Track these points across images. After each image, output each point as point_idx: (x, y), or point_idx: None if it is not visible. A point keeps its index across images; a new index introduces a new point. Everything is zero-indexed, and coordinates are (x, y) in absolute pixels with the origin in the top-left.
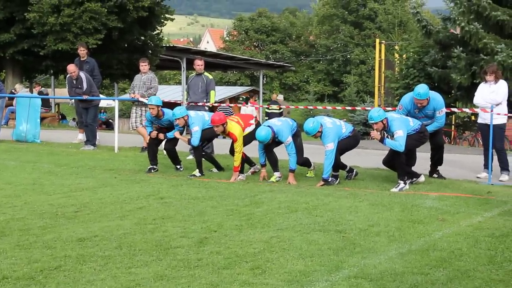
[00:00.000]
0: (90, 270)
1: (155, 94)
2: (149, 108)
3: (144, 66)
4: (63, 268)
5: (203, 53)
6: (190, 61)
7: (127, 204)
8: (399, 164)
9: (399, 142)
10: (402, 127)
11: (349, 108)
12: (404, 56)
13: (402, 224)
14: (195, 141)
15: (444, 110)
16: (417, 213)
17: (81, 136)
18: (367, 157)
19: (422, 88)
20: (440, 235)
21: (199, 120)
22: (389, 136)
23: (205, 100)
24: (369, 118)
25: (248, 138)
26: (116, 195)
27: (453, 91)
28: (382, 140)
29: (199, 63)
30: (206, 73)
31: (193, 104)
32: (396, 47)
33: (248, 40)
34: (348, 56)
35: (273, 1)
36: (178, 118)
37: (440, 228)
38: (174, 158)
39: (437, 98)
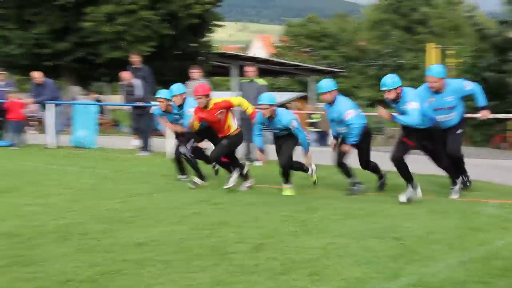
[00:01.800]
0: (149, 274)
1: None
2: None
3: (195, 73)
4: (123, 272)
5: (253, 59)
6: (241, 67)
7: (182, 209)
8: (446, 166)
9: (412, 116)
10: (418, 100)
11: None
12: (460, 60)
13: (462, 232)
14: (185, 124)
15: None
16: (477, 220)
17: (135, 142)
18: (422, 162)
19: (386, 78)
20: (502, 244)
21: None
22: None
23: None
24: (382, 84)
25: (236, 139)
26: (171, 200)
27: (510, 96)
28: (391, 118)
29: (250, 69)
30: (258, 79)
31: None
32: (450, 52)
33: (299, 46)
34: (400, 61)
35: (322, 7)
36: (176, 96)
37: (502, 236)
38: (191, 165)
39: (409, 92)
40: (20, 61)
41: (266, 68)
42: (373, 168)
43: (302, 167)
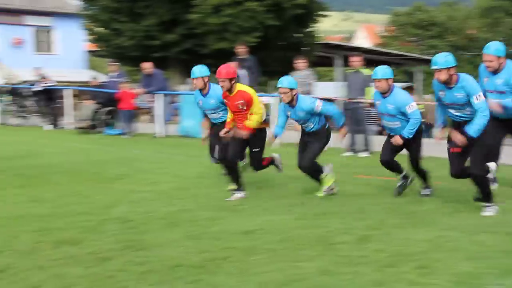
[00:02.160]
0: (256, 262)
1: (309, 91)
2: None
3: (300, 63)
4: (231, 259)
5: (357, 49)
6: (345, 57)
7: (288, 199)
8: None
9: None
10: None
11: None
12: None
13: None
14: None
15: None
16: None
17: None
18: None
19: (439, 56)
20: None
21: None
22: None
23: (362, 97)
24: (433, 62)
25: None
26: (277, 191)
27: None
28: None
29: (356, 59)
30: (363, 70)
31: (351, 100)
32: None
33: (405, 35)
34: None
35: None
36: (196, 78)
37: None
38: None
39: (469, 80)
40: (131, 52)
41: (371, 58)
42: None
43: (318, 177)
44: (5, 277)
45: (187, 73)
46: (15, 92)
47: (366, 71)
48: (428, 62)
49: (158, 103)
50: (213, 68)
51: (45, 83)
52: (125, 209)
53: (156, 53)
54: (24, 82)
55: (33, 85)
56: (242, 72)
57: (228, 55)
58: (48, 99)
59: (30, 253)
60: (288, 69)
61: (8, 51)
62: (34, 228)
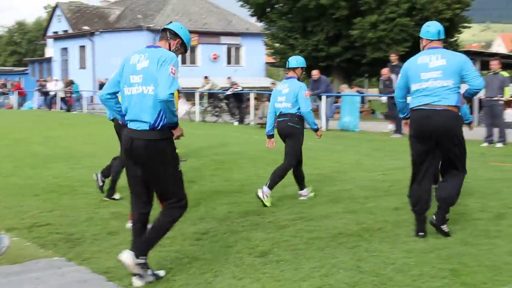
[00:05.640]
0: (405, 233)
1: None
2: None
3: None
4: (383, 230)
5: (495, 55)
6: (483, 62)
7: None
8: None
9: None
10: None
11: None
12: None
13: None
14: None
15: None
16: None
17: (391, 126)
18: None
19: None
20: None
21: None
22: None
23: (500, 96)
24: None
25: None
26: None
27: None
28: None
29: (494, 63)
30: (501, 72)
31: (489, 98)
32: None
33: None
34: None
35: None
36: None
37: None
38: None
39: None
40: None
41: (508, 63)
42: None
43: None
44: (207, 238)
45: (347, 78)
46: (211, 96)
47: (504, 73)
48: None
49: (323, 103)
50: (367, 74)
51: (235, 89)
52: (296, 188)
53: (322, 63)
54: (220, 88)
55: (226, 90)
56: (394, 77)
57: (381, 63)
58: (236, 101)
59: (224, 220)
60: None
61: (208, 65)
62: (227, 202)
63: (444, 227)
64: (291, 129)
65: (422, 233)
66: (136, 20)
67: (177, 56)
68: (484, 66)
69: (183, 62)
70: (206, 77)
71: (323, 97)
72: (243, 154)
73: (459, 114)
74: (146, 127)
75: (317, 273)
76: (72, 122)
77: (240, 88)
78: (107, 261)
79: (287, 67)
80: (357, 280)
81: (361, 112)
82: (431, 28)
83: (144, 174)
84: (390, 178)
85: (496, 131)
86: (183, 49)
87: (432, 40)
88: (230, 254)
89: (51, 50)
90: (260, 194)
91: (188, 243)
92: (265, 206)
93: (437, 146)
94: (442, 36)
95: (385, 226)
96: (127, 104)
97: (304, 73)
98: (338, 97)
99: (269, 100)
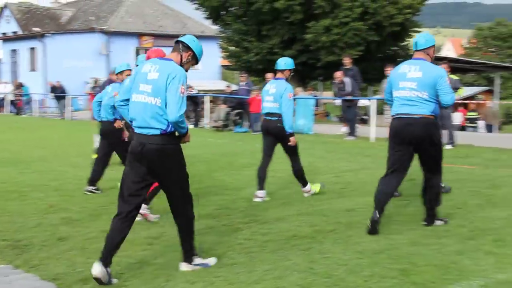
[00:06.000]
0: (357, 234)
1: None
2: None
3: (388, 70)
4: (336, 231)
5: (444, 59)
6: None
7: None
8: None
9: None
10: None
11: None
12: None
13: None
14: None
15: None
16: None
17: (344, 129)
18: None
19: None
20: None
21: None
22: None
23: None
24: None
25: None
26: (374, 176)
27: None
28: None
29: (443, 67)
30: (450, 75)
31: None
32: None
33: (486, 47)
34: None
35: (510, 12)
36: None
37: None
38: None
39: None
40: (256, 66)
41: (456, 66)
42: None
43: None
44: (159, 242)
45: (302, 81)
46: None
47: (453, 76)
48: (506, 68)
49: None
50: (321, 77)
51: (190, 92)
52: (251, 191)
53: None
54: None
55: None
56: (347, 80)
57: (335, 66)
58: (192, 104)
59: None
60: (385, 76)
61: None
62: None
63: (439, 222)
64: (282, 130)
65: (425, 222)
66: (88, 22)
67: (187, 70)
68: None
69: (136, 65)
70: None
71: None
72: (198, 157)
73: (436, 121)
74: (157, 132)
75: (270, 276)
76: (21, 125)
77: (195, 91)
78: (56, 267)
79: (275, 68)
80: (310, 282)
81: (315, 114)
82: (415, 39)
83: (152, 176)
84: (343, 180)
85: (445, 133)
86: (194, 61)
87: (415, 51)
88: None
89: (0, 52)
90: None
91: (140, 248)
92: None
93: (416, 151)
94: (421, 47)
95: (338, 228)
96: (134, 110)
97: (291, 74)
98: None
99: (224, 103)
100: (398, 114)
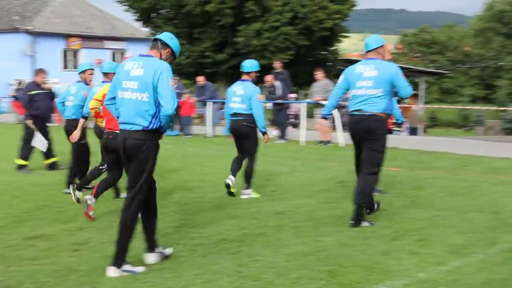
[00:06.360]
0: (286, 236)
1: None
2: None
3: (318, 74)
4: (265, 234)
5: None
6: None
7: (312, 186)
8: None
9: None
10: None
11: (502, 108)
12: None
13: None
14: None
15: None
16: None
17: (275, 132)
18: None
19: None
20: None
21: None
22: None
23: None
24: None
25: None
26: (304, 179)
27: None
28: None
29: None
30: None
31: None
32: None
33: (411, 52)
34: (500, 63)
35: (434, 19)
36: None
37: None
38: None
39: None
40: (188, 69)
41: None
42: None
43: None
44: (85, 248)
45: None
46: None
47: None
48: (430, 73)
49: (209, 109)
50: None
51: None
52: (181, 194)
53: (208, 69)
54: None
55: None
56: (277, 83)
57: (266, 70)
58: None
59: (106, 230)
60: (314, 80)
61: None
62: (110, 210)
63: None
64: (246, 129)
65: (352, 222)
66: (12, 22)
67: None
68: None
69: (65, 67)
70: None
71: (209, 103)
72: None
73: (385, 119)
74: (139, 128)
75: (199, 280)
76: None
77: None
78: None
79: (241, 70)
80: (239, 285)
81: None
82: (366, 41)
83: (131, 166)
84: (273, 183)
85: None
86: (173, 57)
87: (367, 52)
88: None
89: None
90: (244, 196)
91: (66, 254)
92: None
93: (363, 144)
94: (371, 48)
95: (267, 231)
96: (121, 107)
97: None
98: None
99: None
100: (353, 111)
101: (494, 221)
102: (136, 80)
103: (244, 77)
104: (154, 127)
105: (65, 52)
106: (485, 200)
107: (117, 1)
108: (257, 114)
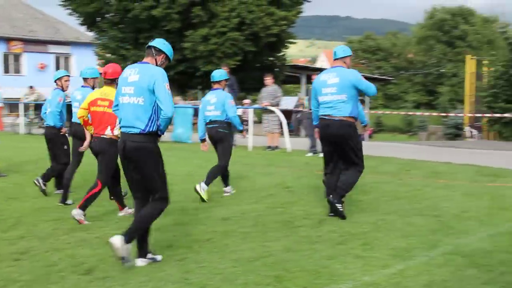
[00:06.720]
0: (233, 242)
1: (279, 103)
2: None
3: (267, 80)
4: (212, 241)
5: (319, 70)
6: (309, 76)
7: (260, 191)
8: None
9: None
10: None
11: (443, 114)
12: (492, 69)
13: (492, 211)
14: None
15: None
16: (504, 201)
17: None
18: (459, 154)
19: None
20: None
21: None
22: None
23: None
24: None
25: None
26: (251, 184)
27: None
28: None
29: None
30: None
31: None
32: (485, 62)
33: (357, 58)
34: (442, 70)
35: (378, 26)
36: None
37: None
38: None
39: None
40: None
41: None
42: None
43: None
44: (27, 257)
45: (181, 90)
46: (38, 107)
47: None
48: (375, 80)
49: None
50: (200, 86)
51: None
52: (129, 202)
53: None
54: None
55: None
56: (225, 89)
57: None
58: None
59: (48, 238)
60: (262, 86)
61: (34, 74)
62: (52, 218)
63: (340, 206)
64: (221, 134)
65: (332, 214)
66: None
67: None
68: (309, 80)
69: (6, 71)
70: (31, 87)
71: None
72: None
73: (353, 122)
74: (137, 131)
75: None
76: None
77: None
78: None
79: (211, 80)
80: None
81: (194, 123)
82: (334, 50)
83: (135, 171)
84: (221, 189)
85: (307, 142)
86: (168, 62)
87: (334, 60)
88: (52, 274)
89: None
90: (198, 188)
91: (5, 264)
92: (204, 200)
93: (336, 147)
94: (339, 56)
95: (214, 237)
96: (122, 111)
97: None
98: None
99: None
100: (321, 115)
101: (435, 224)
102: (133, 85)
103: (215, 86)
104: (151, 130)
105: (6, 56)
106: (427, 204)
107: (61, 5)
108: (232, 115)
